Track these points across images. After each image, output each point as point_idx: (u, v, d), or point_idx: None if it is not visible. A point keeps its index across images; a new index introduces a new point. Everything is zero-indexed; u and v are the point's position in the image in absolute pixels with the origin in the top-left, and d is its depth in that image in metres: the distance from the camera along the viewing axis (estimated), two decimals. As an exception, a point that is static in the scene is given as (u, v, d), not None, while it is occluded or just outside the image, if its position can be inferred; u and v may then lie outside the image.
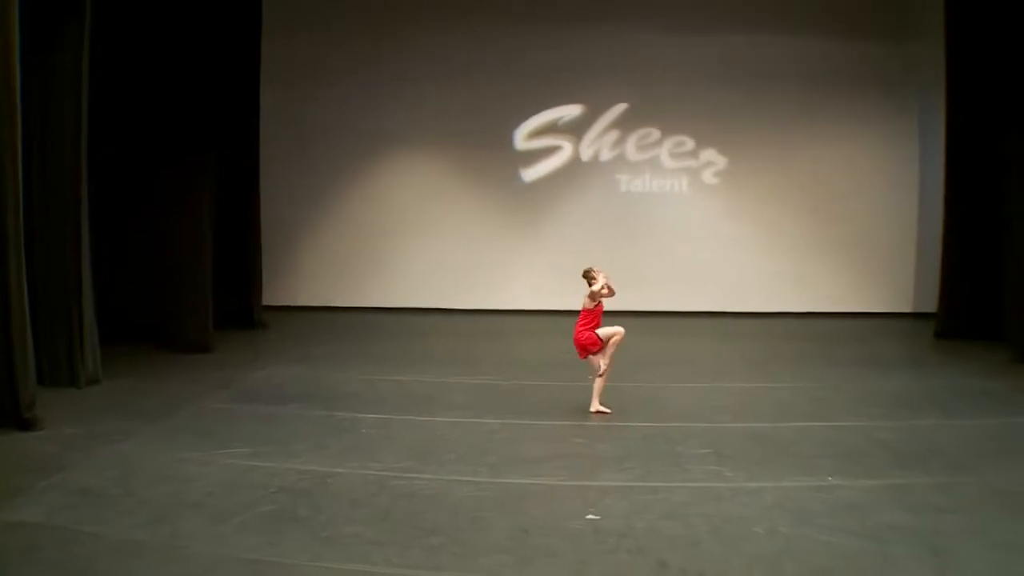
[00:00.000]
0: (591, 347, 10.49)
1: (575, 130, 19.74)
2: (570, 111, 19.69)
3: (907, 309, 19.28)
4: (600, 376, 10.50)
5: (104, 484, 7.81)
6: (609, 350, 10.49)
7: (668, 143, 19.66)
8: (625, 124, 19.66)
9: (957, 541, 6.58)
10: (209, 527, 6.86)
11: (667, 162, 19.68)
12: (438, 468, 8.41)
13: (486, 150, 19.66)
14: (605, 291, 10.50)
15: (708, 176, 19.72)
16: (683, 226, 19.60)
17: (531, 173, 19.83)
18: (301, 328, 17.38)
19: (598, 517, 7.08)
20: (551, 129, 19.71)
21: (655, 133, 19.64)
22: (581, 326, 10.51)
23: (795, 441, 9.35)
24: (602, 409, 10.43)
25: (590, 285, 10.52)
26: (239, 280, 16.79)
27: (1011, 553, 6.40)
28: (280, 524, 6.93)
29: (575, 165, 19.79)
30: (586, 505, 7.35)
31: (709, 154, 19.66)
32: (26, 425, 9.51)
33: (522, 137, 19.75)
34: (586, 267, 10.75)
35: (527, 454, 8.91)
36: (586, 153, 19.74)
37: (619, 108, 19.60)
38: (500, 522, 7.01)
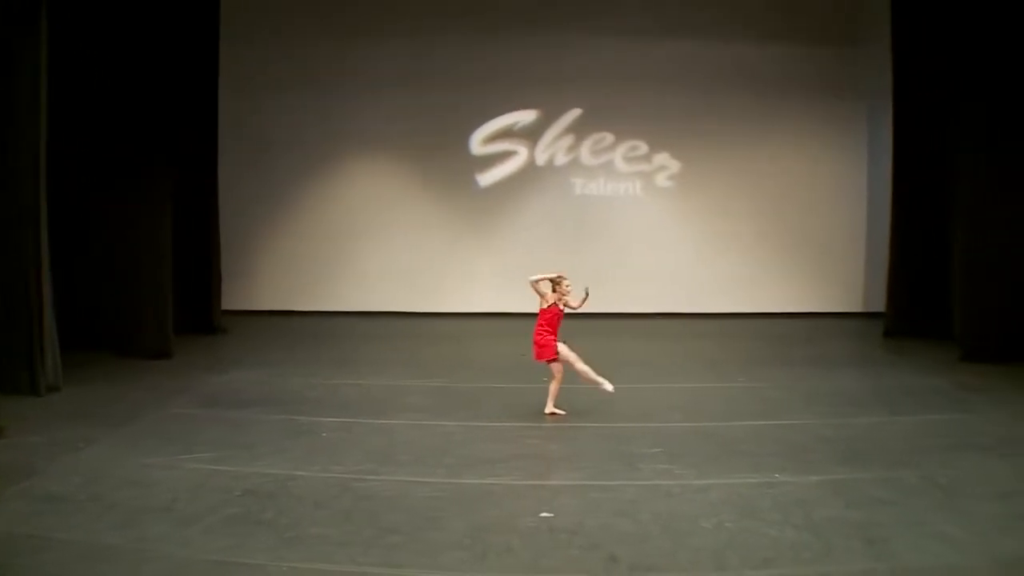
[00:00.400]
0: (547, 353, 10.66)
1: (530, 135, 19.92)
2: (525, 116, 19.87)
3: (857, 309, 19.60)
4: (555, 380, 10.68)
5: (70, 490, 7.92)
6: (563, 368, 10.70)
7: (622, 147, 19.89)
8: (579, 129, 19.86)
9: (893, 532, 6.91)
10: (176, 530, 7.01)
11: (621, 166, 19.92)
12: (397, 470, 8.63)
13: (442, 155, 19.80)
14: (563, 304, 10.77)
15: (661, 180, 19.95)
16: (637, 229, 19.82)
17: (487, 178, 19.99)
18: (260, 332, 17.46)
19: (552, 515, 7.35)
20: (506, 134, 19.88)
21: (609, 138, 19.86)
22: (541, 328, 10.71)
23: (744, 439, 9.67)
24: (556, 411, 10.65)
25: (554, 290, 10.74)
26: (198, 285, 16.78)
27: (944, 543, 6.74)
28: (245, 526, 7.11)
29: (530, 170, 19.98)
30: (540, 504, 7.62)
31: (662, 158, 19.90)
32: None
33: (478, 142, 19.91)
34: (560, 275, 10.94)
35: (483, 455, 9.13)
36: (541, 158, 19.93)
37: (573, 113, 19.80)
38: (457, 521, 7.25)
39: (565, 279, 10.78)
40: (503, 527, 7.12)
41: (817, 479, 8.24)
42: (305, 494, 7.89)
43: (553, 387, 10.69)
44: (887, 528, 7.00)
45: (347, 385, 12.55)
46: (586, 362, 10.67)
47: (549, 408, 10.67)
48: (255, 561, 6.46)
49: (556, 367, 10.65)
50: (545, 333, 10.66)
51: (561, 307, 10.74)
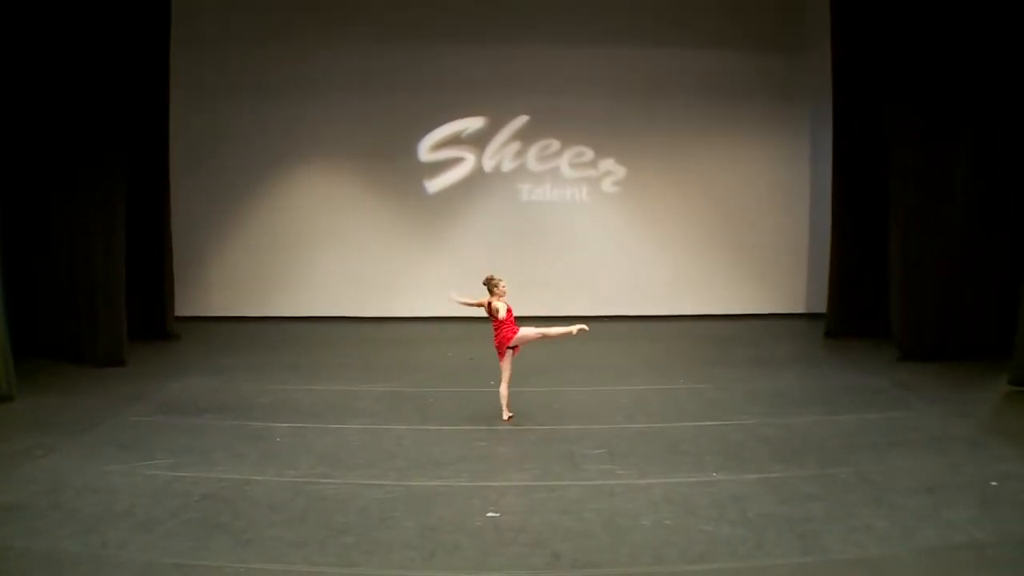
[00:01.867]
0: (509, 339, 10.87)
1: (478, 142, 20.06)
2: (473, 123, 20.00)
3: (800, 310, 19.94)
4: (504, 381, 10.89)
5: (30, 499, 8.06)
6: (509, 358, 10.94)
7: (568, 153, 20.07)
8: (526, 135, 20.03)
9: (823, 527, 7.30)
10: (137, 535, 7.22)
11: (567, 172, 20.10)
12: (349, 473, 8.88)
13: (391, 162, 19.90)
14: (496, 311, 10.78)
15: (607, 185, 20.17)
16: (584, 234, 20.03)
17: (435, 184, 20.10)
18: (213, 338, 17.51)
19: (498, 514, 7.68)
20: (454, 141, 20.02)
21: (555, 144, 20.04)
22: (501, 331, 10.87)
23: (685, 439, 9.97)
24: (510, 415, 10.86)
25: (492, 293, 10.92)
26: (151, 291, 16.80)
27: (872, 535, 7.14)
28: (204, 530, 7.35)
29: (478, 176, 20.11)
30: (487, 504, 7.93)
31: (608, 164, 20.10)
32: None
33: (426, 149, 20.04)
34: (489, 275, 11.10)
35: (433, 458, 9.39)
36: (489, 164, 20.07)
37: (521, 120, 19.98)
38: (408, 521, 7.54)
39: (495, 278, 10.99)
40: (451, 526, 7.42)
41: (754, 477, 8.60)
42: (261, 497, 8.12)
43: (504, 391, 10.82)
44: (818, 523, 7.37)
45: (299, 390, 12.67)
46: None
47: (506, 414, 10.82)
48: (214, 563, 6.70)
49: (506, 364, 10.87)
50: (504, 329, 10.84)
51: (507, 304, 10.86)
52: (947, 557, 6.81)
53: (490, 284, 10.92)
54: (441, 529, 7.37)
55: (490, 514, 7.69)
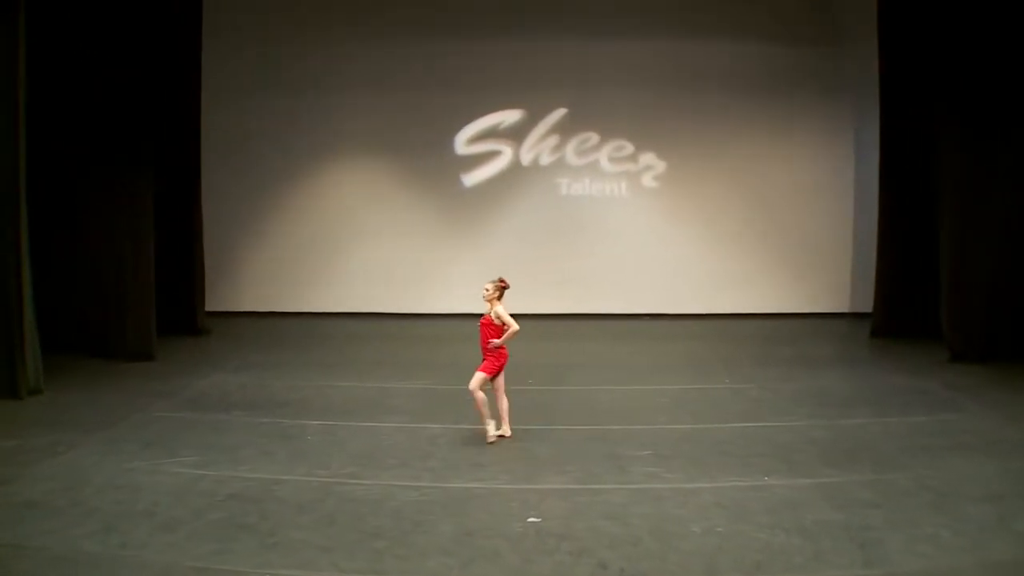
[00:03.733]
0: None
1: (515, 135, 19.79)
2: (510, 116, 19.75)
3: (844, 309, 19.46)
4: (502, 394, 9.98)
5: (49, 496, 7.81)
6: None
7: (607, 147, 19.75)
8: (565, 129, 19.73)
9: (884, 535, 6.86)
10: (159, 536, 6.93)
11: (607, 166, 19.78)
12: (382, 473, 8.56)
13: (427, 155, 19.65)
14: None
15: (647, 180, 19.83)
16: (623, 229, 19.70)
17: (472, 178, 19.85)
18: (244, 334, 17.31)
19: (539, 519, 7.29)
20: (491, 134, 19.75)
21: (594, 138, 19.73)
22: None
23: (732, 441, 9.59)
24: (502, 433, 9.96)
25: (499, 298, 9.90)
26: (181, 286, 16.64)
27: (935, 545, 6.69)
28: (229, 531, 7.03)
29: (515, 170, 19.85)
30: (527, 508, 7.55)
31: (648, 158, 19.76)
32: None
33: (462, 142, 19.80)
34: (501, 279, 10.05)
35: (469, 458, 9.07)
36: (526, 158, 19.78)
37: (559, 113, 19.67)
38: (443, 525, 7.17)
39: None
40: (490, 532, 7.04)
41: (807, 482, 8.19)
42: (289, 498, 7.82)
43: (505, 404, 9.94)
44: (878, 531, 6.95)
45: (330, 387, 12.44)
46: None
47: (505, 429, 9.93)
48: (237, 568, 6.39)
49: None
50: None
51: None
52: (1019, 572, 6.42)
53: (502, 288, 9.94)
54: (479, 534, 6.99)
55: (531, 519, 7.31)
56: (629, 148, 19.75)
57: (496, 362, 9.70)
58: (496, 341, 9.65)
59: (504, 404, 9.82)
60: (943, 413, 10.85)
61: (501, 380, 9.80)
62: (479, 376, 9.63)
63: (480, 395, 9.59)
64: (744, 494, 7.86)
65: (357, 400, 11.69)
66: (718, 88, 19.38)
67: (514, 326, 9.65)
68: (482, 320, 9.82)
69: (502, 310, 9.71)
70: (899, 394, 11.92)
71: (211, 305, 18.05)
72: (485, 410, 9.63)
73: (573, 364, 13.89)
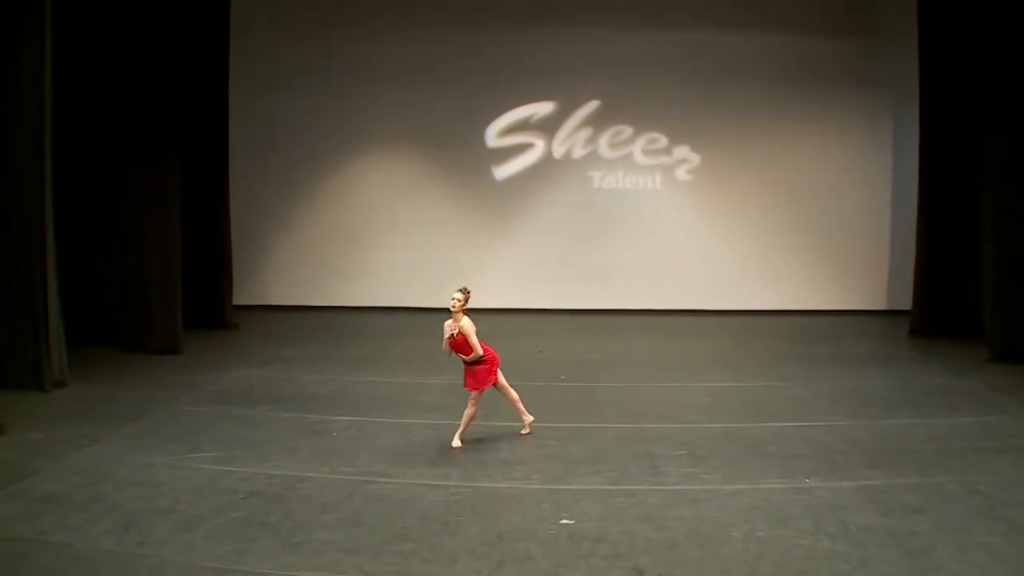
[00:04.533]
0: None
1: (547, 127, 19.53)
2: (542, 108, 19.48)
3: (881, 307, 19.13)
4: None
5: (69, 490, 7.69)
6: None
7: (641, 140, 19.44)
8: (597, 121, 19.45)
9: (933, 542, 6.56)
10: (177, 534, 6.76)
11: (640, 159, 19.48)
12: (410, 471, 8.34)
13: (458, 148, 19.43)
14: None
15: (681, 173, 19.53)
16: (656, 223, 19.41)
17: (503, 171, 19.60)
18: (272, 328, 17.12)
19: (572, 521, 7.03)
20: (523, 126, 19.51)
21: (628, 130, 19.43)
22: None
23: (770, 441, 9.31)
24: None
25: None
26: (209, 280, 16.56)
27: (987, 554, 6.36)
28: (250, 530, 6.84)
29: (547, 162, 19.58)
30: (560, 509, 7.29)
31: (682, 151, 19.47)
32: None
33: (494, 135, 19.57)
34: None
35: (500, 457, 8.85)
36: (558, 151, 19.51)
37: (591, 105, 19.39)
38: (473, 526, 6.94)
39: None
40: (521, 534, 6.79)
41: (850, 485, 7.90)
42: (313, 496, 7.63)
43: (514, 395, 9.61)
44: (926, 538, 6.65)
45: (359, 382, 12.27)
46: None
47: (528, 416, 9.71)
48: (258, 568, 6.20)
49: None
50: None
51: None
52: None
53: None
54: (510, 537, 6.73)
55: (564, 521, 7.04)
56: (663, 141, 19.47)
57: (478, 378, 9.29)
58: (466, 358, 9.24)
59: (513, 395, 9.55)
60: (987, 415, 10.52)
61: (502, 379, 9.46)
62: (474, 394, 9.30)
63: (469, 412, 9.29)
64: (785, 497, 7.57)
65: (385, 396, 11.51)
66: (753, 80, 19.06)
67: (478, 350, 9.19)
68: (449, 338, 9.26)
69: (468, 326, 9.22)
70: (941, 394, 11.59)
71: (239, 299, 17.97)
72: (468, 425, 9.36)
73: (606, 361, 13.68)
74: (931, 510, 7.21)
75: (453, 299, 9.25)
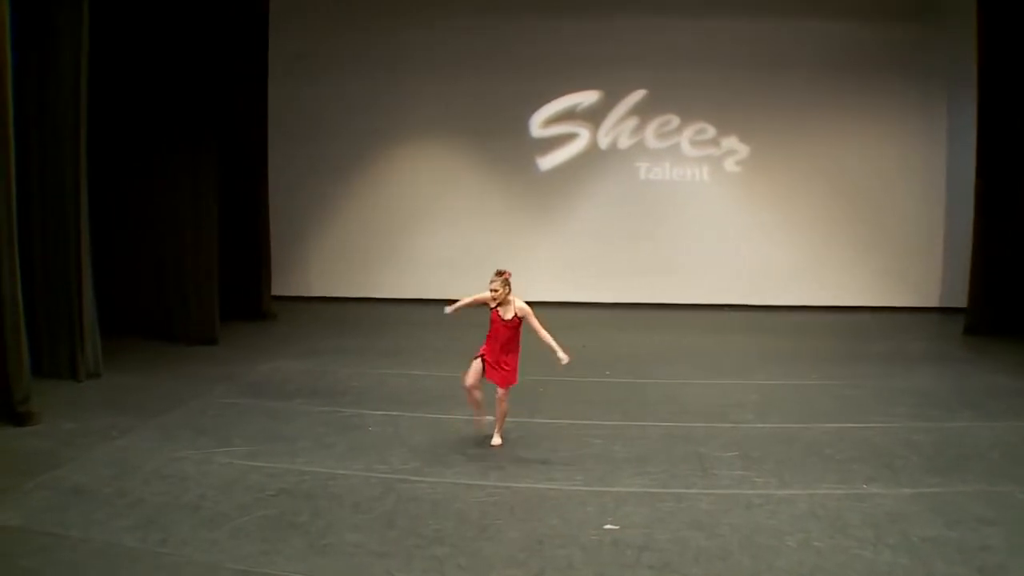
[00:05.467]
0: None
1: (593, 117, 19.24)
2: (587, 98, 19.19)
3: (934, 304, 18.71)
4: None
5: (96, 483, 7.52)
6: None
7: (688, 130, 19.13)
8: (644, 111, 19.15)
9: (1007, 560, 6.08)
10: (202, 532, 6.51)
11: (688, 150, 19.17)
12: (447, 470, 8.03)
13: (501, 138, 19.17)
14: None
15: (730, 164, 19.18)
16: (704, 216, 19.10)
17: (547, 161, 19.34)
18: (311, 319, 16.95)
19: (617, 527, 6.65)
20: (568, 116, 19.23)
21: (675, 120, 19.11)
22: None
23: (826, 443, 8.88)
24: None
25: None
26: (247, 270, 16.46)
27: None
28: (277, 530, 6.56)
29: (593, 153, 19.28)
30: (604, 513, 6.93)
31: (731, 142, 19.12)
32: (20, 420, 9.31)
33: (538, 124, 19.29)
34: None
35: (541, 456, 8.51)
36: (604, 141, 19.23)
37: (638, 95, 19.07)
38: (512, 530, 6.59)
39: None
40: (562, 539, 6.42)
41: (911, 492, 7.44)
42: (345, 495, 7.32)
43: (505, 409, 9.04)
44: (999, 554, 6.17)
45: (397, 376, 11.99)
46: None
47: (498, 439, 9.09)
48: (283, 571, 5.88)
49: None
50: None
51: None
52: None
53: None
54: (550, 542, 6.35)
55: (608, 526, 6.65)
56: (711, 131, 19.14)
57: (510, 374, 8.89)
58: (553, 343, 8.77)
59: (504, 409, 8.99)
60: (1053, 418, 9.97)
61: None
62: (503, 392, 8.89)
63: (503, 408, 8.92)
64: (842, 503, 7.14)
65: (423, 390, 11.23)
66: (803, 69, 18.68)
67: (547, 338, 8.84)
68: (506, 322, 8.84)
69: (524, 305, 8.87)
70: (1002, 396, 11.07)
71: (278, 290, 17.84)
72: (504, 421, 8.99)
73: (652, 356, 13.39)
74: (1002, 522, 6.73)
75: (492, 286, 8.81)
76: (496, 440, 8.88)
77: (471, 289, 18.25)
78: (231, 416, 9.78)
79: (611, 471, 8.06)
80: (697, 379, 12.01)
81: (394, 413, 9.99)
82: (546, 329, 8.82)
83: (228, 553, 6.14)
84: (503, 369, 8.82)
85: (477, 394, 8.92)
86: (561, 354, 8.66)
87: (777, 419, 9.91)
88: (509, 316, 8.79)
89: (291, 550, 6.19)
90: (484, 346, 8.90)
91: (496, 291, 8.78)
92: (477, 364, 8.86)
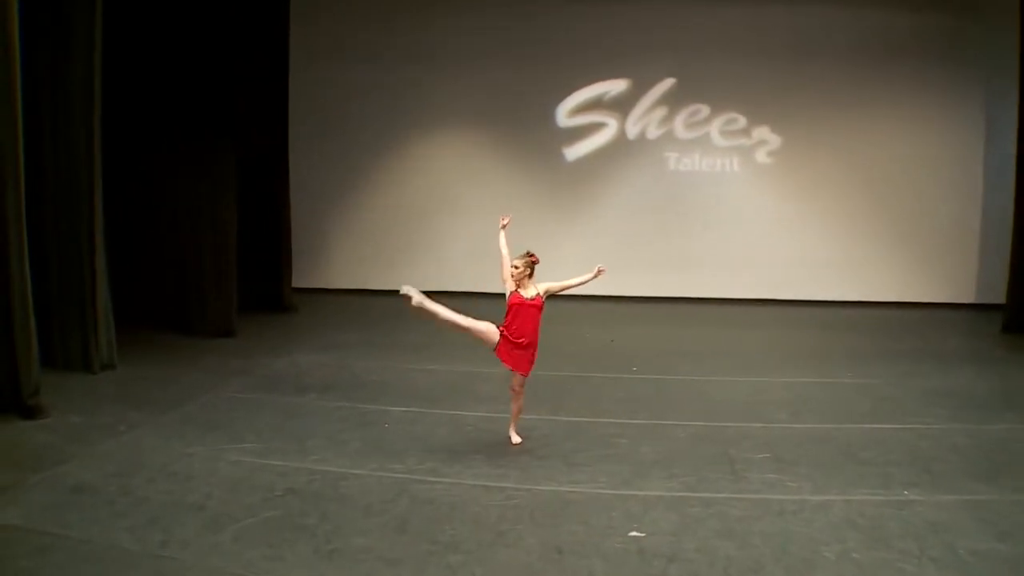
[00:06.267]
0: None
1: (620, 106, 18.90)
2: (615, 86, 18.86)
3: (969, 300, 18.28)
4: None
5: (100, 481, 7.31)
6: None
7: (718, 120, 18.76)
8: (673, 100, 18.80)
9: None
10: (204, 535, 6.25)
11: (718, 140, 18.81)
12: (464, 471, 7.70)
13: (526, 128, 18.91)
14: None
15: (761, 155, 18.81)
16: (734, 208, 18.74)
17: (574, 151, 19.03)
18: (332, 312, 16.75)
19: (643, 535, 6.29)
20: (595, 105, 18.90)
21: (705, 110, 18.76)
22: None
23: (862, 445, 8.48)
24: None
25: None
26: (268, 261, 16.29)
27: None
28: (283, 533, 6.27)
29: (621, 143, 18.96)
30: (629, 519, 6.56)
31: (762, 132, 18.73)
32: (29, 413, 9.12)
33: (564, 114, 18.99)
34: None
35: (564, 455, 8.16)
36: (632, 131, 18.89)
37: (666, 83, 18.73)
38: (531, 536, 6.25)
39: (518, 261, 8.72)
40: (584, 548, 6.07)
41: (954, 499, 7.03)
42: (356, 497, 7.02)
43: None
44: (1058, 570, 5.76)
45: (417, 370, 11.71)
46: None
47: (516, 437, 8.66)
48: (286, 578, 5.55)
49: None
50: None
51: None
52: None
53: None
54: (571, 551, 6.00)
55: (633, 533, 6.28)
56: (742, 121, 18.74)
57: (532, 360, 8.55)
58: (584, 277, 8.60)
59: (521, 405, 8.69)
60: (1098, 421, 9.54)
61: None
62: (521, 378, 8.51)
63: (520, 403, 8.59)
64: (881, 511, 6.74)
65: (444, 385, 10.95)
66: (836, 57, 18.24)
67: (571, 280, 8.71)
68: (529, 302, 8.52)
69: (552, 283, 8.69)
70: (1046, 397, 10.62)
71: (301, 282, 17.73)
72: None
73: (681, 352, 13.00)
74: (1060, 537, 6.31)
75: (514, 262, 8.66)
76: (515, 438, 8.54)
77: (494, 282, 18.04)
78: (244, 411, 9.54)
79: (637, 473, 7.69)
80: (726, 376, 11.64)
81: (413, 409, 9.70)
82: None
83: (230, 557, 5.87)
84: (522, 350, 8.44)
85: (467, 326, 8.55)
86: (595, 272, 8.59)
87: (810, 419, 9.52)
88: (532, 295, 8.50)
89: (296, 555, 5.89)
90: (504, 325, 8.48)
91: (517, 268, 8.55)
92: (493, 328, 8.50)
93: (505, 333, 8.41)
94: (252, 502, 6.81)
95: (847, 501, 6.93)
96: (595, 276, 8.62)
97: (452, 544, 6.08)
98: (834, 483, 7.39)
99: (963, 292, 18.37)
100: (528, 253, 8.68)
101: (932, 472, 7.71)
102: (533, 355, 8.52)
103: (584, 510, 6.78)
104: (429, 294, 17.87)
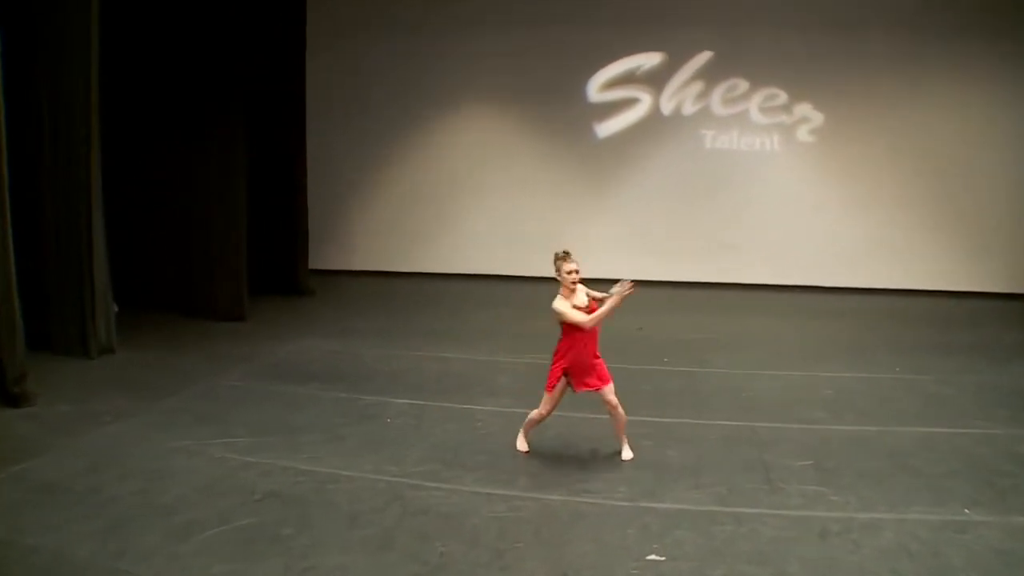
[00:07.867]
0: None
1: (655, 81, 18.22)
2: (649, 60, 18.17)
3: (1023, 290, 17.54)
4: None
5: (70, 478, 6.86)
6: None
7: (758, 96, 18.01)
8: (710, 75, 18.08)
9: None
10: (167, 544, 5.72)
11: (757, 117, 18.06)
12: (466, 474, 7.03)
13: (555, 103, 18.29)
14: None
15: (803, 133, 18.04)
16: (774, 189, 18.02)
17: (606, 128, 18.36)
18: (349, 295, 16.26)
19: (662, 558, 5.56)
20: (628, 79, 18.22)
21: (743, 85, 18.01)
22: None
23: (913, 452, 7.66)
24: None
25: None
26: (283, 243, 15.94)
27: None
28: (254, 545, 5.69)
29: (655, 119, 18.28)
30: (648, 537, 5.84)
31: (804, 109, 17.96)
32: (14, 401, 8.78)
33: (596, 88, 18.34)
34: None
35: (579, 458, 7.49)
36: (667, 106, 18.20)
37: (703, 57, 17.99)
38: (534, 557, 5.56)
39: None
40: (595, 571, 5.35)
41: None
42: (342, 503, 6.40)
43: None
44: None
45: (430, 359, 11.07)
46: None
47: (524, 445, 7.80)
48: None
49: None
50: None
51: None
52: None
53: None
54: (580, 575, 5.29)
55: (651, 557, 5.55)
56: (782, 97, 17.95)
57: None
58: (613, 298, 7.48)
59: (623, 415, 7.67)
60: None
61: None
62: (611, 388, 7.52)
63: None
64: (940, 535, 5.94)
65: (457, 375, 10.31)
66: (882, 30, 17.41)
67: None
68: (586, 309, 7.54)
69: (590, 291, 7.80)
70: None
71: (320, 263, 17.34)
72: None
73: (715, 342, 12.29)
74: None
75: (570, 267, 7.53)
76: (627, 454, 7.53)
77: (521, 265, 17.43)
78: (240, 401, 9.05)
79: (660, 482, 6.93)
80: (762, 369, 10.88)
81: (419, 402, 9.08)
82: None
83: (189, 573, 5.27)
84: (597, 358, 7.53)
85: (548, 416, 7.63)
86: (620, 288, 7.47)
87: (854, 420, 8.73)
88: (585, 301, 7.56)
89: (263, 574, 5.24)
90: (556, 361, 7.54)
91: (577, 271, 7.56)
92: (560, 386, 7.51)
93: (569, 369, 7.46)
94: (227, 507, 6.25)
95: (898, 521, 6.14)
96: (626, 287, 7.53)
97: (443, 565, 5.39)
98: (883, 497, 6.59)
99: (1018, 281, 17.51)
100: (566, 252, 7.65)
101: (996, 487, 6.87)
102: (600, 364, 7.57)
103: (597, 526, 6.07)
104: (448, 277, 17.42)
